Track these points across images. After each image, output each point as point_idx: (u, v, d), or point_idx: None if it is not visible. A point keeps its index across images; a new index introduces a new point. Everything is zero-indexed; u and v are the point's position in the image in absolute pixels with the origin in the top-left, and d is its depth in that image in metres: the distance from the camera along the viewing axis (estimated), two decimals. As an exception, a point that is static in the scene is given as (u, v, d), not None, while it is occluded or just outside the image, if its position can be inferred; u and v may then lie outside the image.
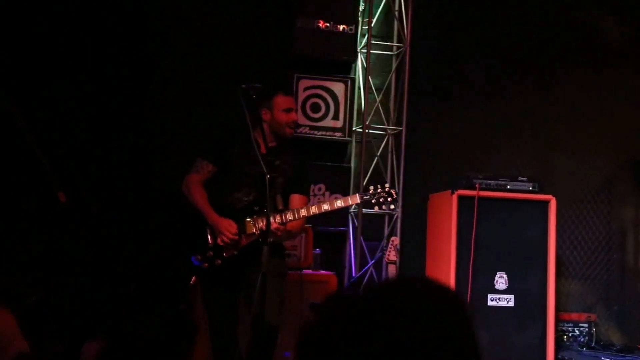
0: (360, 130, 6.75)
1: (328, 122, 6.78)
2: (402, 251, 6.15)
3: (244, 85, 4.35)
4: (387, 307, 1.43)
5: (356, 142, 6.85)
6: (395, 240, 5.88)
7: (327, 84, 6.77)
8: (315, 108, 6.75)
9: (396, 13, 6.90)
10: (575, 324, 6.80)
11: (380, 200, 4.77)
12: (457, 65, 7.08)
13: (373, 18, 6.75)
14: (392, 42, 6.98)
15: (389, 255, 5.77)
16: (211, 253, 4.74)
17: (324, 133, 6.77)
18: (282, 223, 4.60)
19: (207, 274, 4.76)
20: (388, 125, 6.89)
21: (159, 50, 6.41)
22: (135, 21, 6.26)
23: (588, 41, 7.23)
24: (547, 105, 7.22)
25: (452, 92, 7.09)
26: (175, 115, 6.39)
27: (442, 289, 1.50)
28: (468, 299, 5.81)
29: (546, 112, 7.21)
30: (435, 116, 7.05)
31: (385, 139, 6.89)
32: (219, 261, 4.73)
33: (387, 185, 4.80)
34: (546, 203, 6.06)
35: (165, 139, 6.36)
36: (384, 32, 6.99)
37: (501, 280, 5.96)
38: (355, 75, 6.90)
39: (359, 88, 6.87)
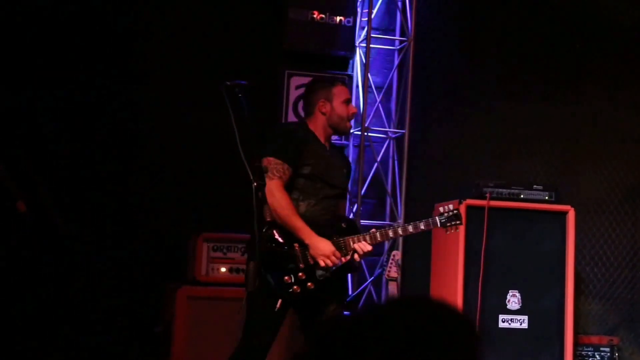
0: (359, 133, 6.56)
1: (323, 123, 6.55)
2: (404, 267, 6.12)
3: (228, 82, 4.15)
4: (387, 331, 1.41)
5: (354, 146, 6.68)
6: (397, 254, 5.69)
7: (322, 81, 6.63)
8: (309, 108, 6.56)
9: (399, 3, 6.76)
10: (596, 348, 6.62)
11: (452, 223, 4.65)
12: (466, 62, 6.95)
13: (373, 9, 6.60)
14: (395, 36, 6.85)
15: (389, 271, 5.56)
16: (302, 275, 4.40)
17: (318, 136, 6.57)
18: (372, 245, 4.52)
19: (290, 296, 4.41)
20: (389, 128, 6.76)
21: (137, 44, 6.20)
22: (115, 17, 6.11)
23: (615, 41, 7.10)
24: (566, 108, 7.09)
25: (460, 91, 6.96)
26: (154, 118, 6.18)
27: (448, 309, 1.49)
28: (477, 319, 5.75)
29: (565, 115, 7.08)
30: (442, 118, 6.94)
31: (387, 143, 6.77)
32: (311, 284, 4.41)
33: (451, 206, 4.65)
34: (564, 214, 5.96)
35: (146, 143, 6.17)
36: (385, 24, 6.86)
37: (514, 300, 5.89)
38: (353, 72, 6.73)
39: (358, 86, 6.70)
